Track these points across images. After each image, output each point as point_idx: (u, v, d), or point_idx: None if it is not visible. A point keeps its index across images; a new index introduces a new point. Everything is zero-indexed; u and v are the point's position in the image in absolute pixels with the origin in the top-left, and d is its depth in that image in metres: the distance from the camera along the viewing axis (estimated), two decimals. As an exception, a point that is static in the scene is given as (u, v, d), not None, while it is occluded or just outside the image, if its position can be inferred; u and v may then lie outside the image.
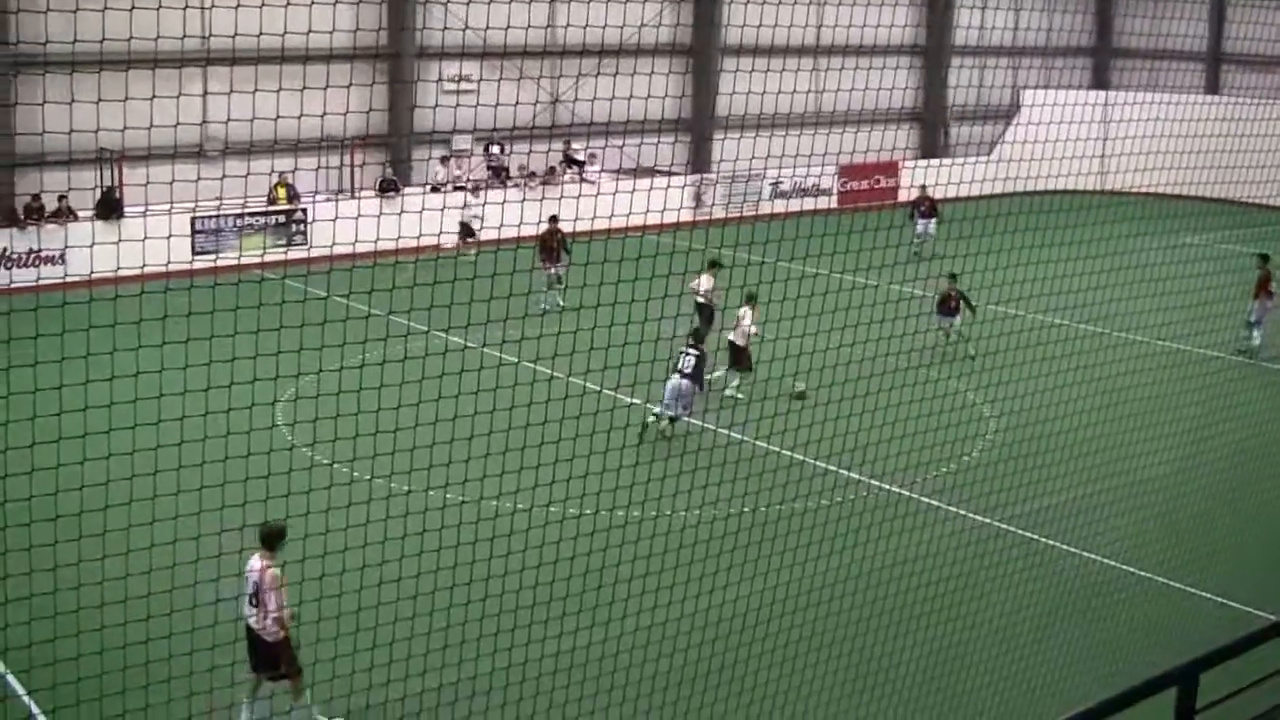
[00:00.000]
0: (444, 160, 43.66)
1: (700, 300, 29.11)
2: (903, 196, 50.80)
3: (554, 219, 33.91)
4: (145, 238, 18.51)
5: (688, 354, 24.73)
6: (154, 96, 16.67)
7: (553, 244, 34.11)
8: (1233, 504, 21.65)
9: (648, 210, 29.09)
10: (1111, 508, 21.17)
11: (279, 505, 14.69)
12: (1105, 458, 22.45)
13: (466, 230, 38.99)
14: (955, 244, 32.49)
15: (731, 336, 27.27)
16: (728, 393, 26.58)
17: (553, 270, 34.07)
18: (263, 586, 14.50)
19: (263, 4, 17.21)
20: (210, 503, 14.25)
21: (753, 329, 26.89)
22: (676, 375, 24.59)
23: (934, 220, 41.98)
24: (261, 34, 19.65)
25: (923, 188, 43.45)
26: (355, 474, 18.65)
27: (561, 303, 33.77)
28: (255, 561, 14.72)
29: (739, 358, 27.12)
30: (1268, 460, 23.75)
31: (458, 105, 42.14)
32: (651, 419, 24.58)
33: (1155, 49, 60.28)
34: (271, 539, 14.74)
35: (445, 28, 41.90)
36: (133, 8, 13.58)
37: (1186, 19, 57.56)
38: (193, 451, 14.28)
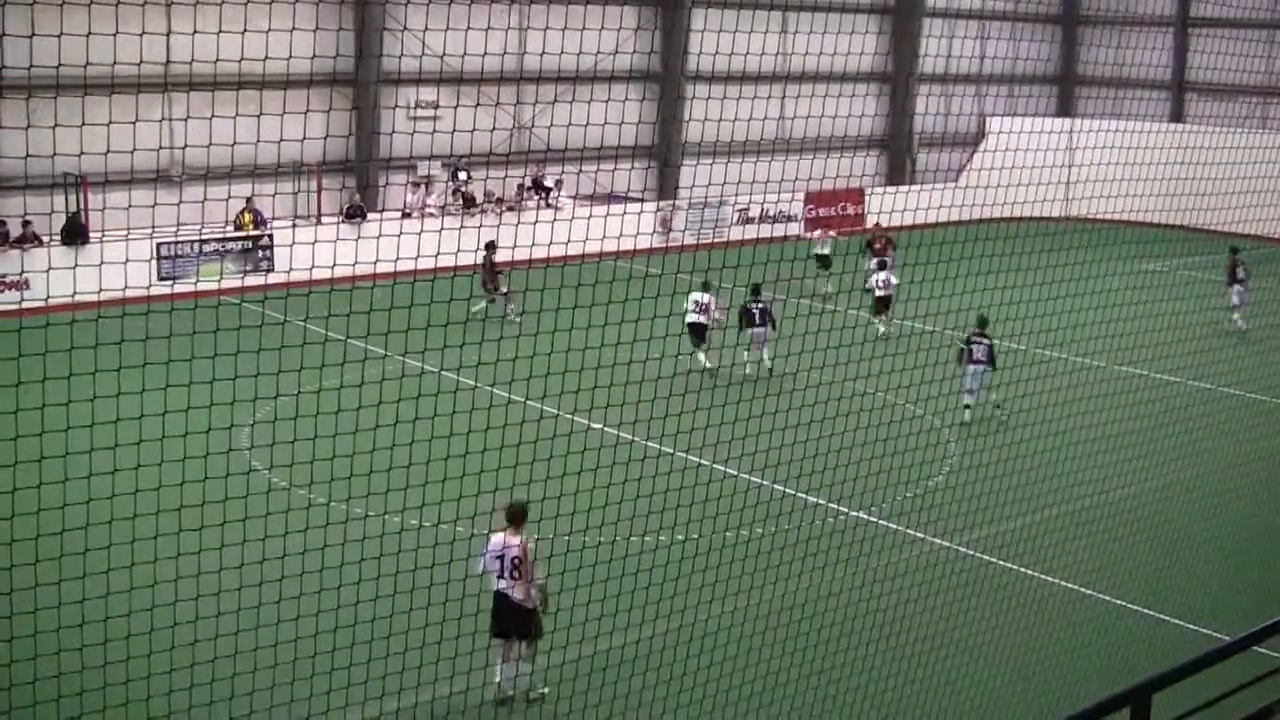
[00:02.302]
0: (415, 186, 43.74)
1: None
2: (869, 223, 50.97)
3: (490, 245, 34.12)
4: (106, 262, 18.51)
5: (980, 343, 27.43)
6: (136, 120, 16.76)
7: (493, 271, 34.42)
8: (1190, 527, 21.76)
9: (607, 235, 29.10)
10: (1070, 531, 21.27)
11: (239, 529, 14.73)
12: (1063, 481, 22.55)
13: (824, 261, 40.46)
14: (915, 269, 32.80)
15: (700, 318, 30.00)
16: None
17: (496, 296, 34.31)
18: (525, 559, 15.54)
19: (231, 29, 17.21)
20: (168, 526, 14.26)
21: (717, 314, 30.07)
22: (972, 365, 27.43)
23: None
24: (243, 59, 19.69)
25: (876, 224, 43.20)
26: (315, 498, 18.63)
27: (516, 319, 32.28)
28: (508, 539, 15.70)
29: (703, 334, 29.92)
30: (1225, 484, 23.92)
31: (414, 132, 42.21)
32: (967, 410, 27.54)
33: (1120, 77, 60.79)
34: (520, 517, 15.82)
35: (402, 54, 42.02)
36: (89, 34, 13.63)
37: (1150, 49, 58.01)
38: (151, 476, 14.30)
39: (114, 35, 13.95)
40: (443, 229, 32.60)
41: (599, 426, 21.22)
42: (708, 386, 19.30)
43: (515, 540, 15.65)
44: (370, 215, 41.53)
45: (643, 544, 18.35)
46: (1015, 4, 60.47)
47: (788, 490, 21.66)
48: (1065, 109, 63.89)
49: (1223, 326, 37.16)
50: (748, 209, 49.48)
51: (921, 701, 16.03)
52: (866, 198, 53.35)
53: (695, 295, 29.93)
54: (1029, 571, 20.17)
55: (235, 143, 22.55)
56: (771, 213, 49.99)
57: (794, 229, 50.25)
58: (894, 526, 21.69)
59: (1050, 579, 19.93)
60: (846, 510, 21.61)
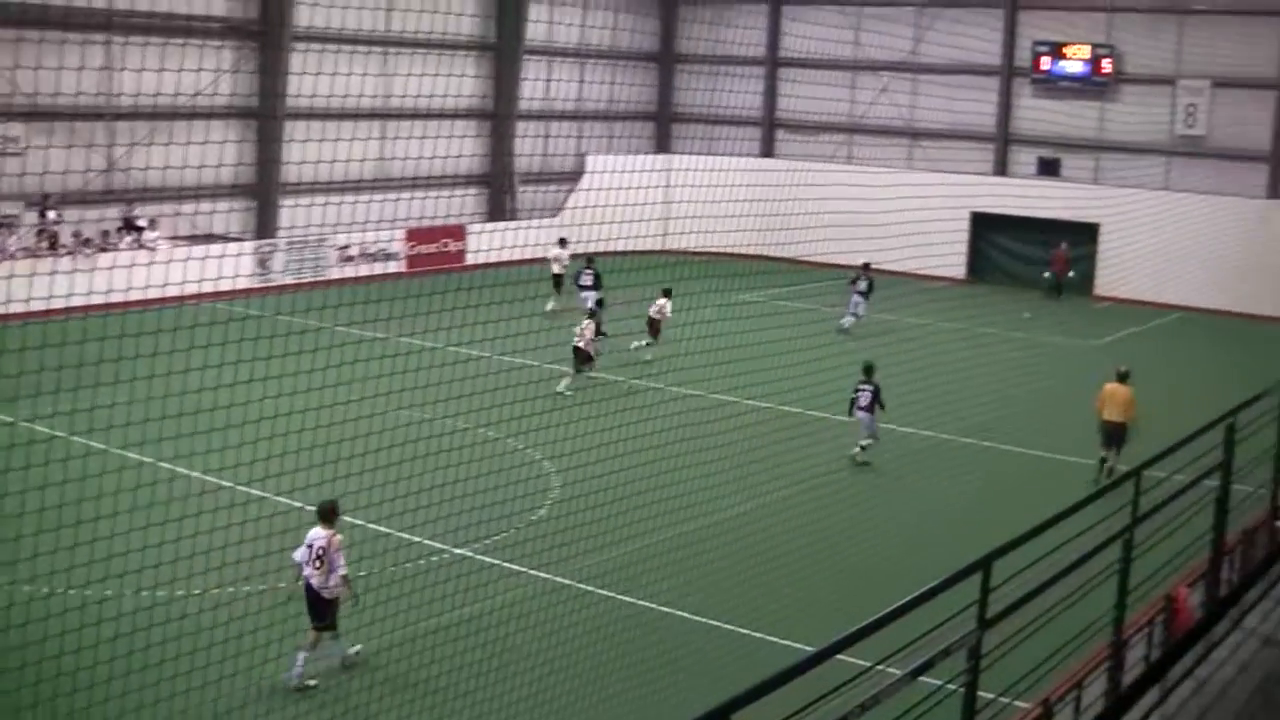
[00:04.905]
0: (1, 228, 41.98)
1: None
2: (470, 260, 51.44)
3: None
4: None
5: (864, 391, 28.60)
6: None
7: None
8: (782, 546, 22.43)
9: (205, 277, 28.80)
10: (668, 556, 21.68)
11: None
12: (663, 508, 22.93)
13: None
14: (513, 306, 33.29)
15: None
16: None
17: None
18: (330, 551, 17.14)
19: None
20: None
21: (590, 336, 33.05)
22: (860, 412, 28.61)
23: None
24: None
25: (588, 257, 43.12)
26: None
27: None
28: (319, 532, 17.30)
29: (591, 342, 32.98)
30: (823, 504, 24.80)
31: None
32: (857, 451, 28.80)
33: (714, 115, 62.83)
34: (330, 514, 17.50)
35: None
36: None
37: (742, 92, 60.27)
38: None
39: None
40: (34, 274, 31.08)
41: (184, 471, 20.94)
42: (309, 427, 19.17)
43: (323, 533, 17.26)
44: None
45: (218, 597, 18.06)
46: (612, 43, 62.01)
47: (382, 529, 21.60)
48: (662, 146, 65.69)
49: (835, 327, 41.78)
50: (348, 247, 49.31)
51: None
52: (467, 235, 53.77)
53: (582, 322, 33.18)
54: (625, 598, 20.57)
55: None
56: (372, 251, 49.92)
57: (395, 267, 50.33)
58: (493, 561, 21.86)
59: (648, 604, 20.36)
60: (445, 547, 21.67)
